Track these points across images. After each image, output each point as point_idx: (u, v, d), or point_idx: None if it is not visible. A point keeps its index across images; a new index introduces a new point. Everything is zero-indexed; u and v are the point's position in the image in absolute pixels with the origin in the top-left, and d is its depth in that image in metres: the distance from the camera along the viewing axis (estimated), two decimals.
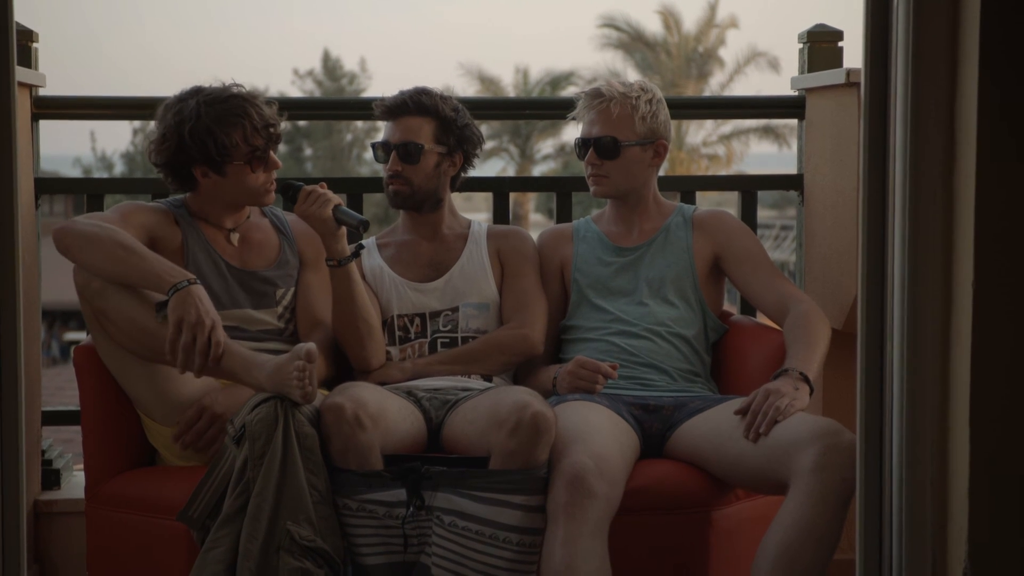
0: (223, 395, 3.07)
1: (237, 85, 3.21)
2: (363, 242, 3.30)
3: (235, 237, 3.27)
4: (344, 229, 3.19)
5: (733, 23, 27.47)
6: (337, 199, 3.20)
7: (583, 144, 3.43)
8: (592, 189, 3.45)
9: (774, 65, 26.58)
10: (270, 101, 3.25)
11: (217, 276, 3.22)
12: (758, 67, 26.66)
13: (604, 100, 3.41)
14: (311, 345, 2.87)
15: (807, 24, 3.89)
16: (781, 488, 2.88)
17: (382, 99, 3.43)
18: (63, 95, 3.84)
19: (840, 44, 3.83)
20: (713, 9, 27.20)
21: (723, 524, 3.08)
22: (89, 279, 2.98)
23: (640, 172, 3.43)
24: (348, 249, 3.21)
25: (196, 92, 3.17)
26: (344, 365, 3.35)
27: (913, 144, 2.10)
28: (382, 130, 3.44)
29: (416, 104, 3.39)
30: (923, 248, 2.11)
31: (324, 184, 3.25)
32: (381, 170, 3.45)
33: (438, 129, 3.39)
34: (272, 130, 3.18)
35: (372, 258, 3.44)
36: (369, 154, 3.60)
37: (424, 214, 3.43)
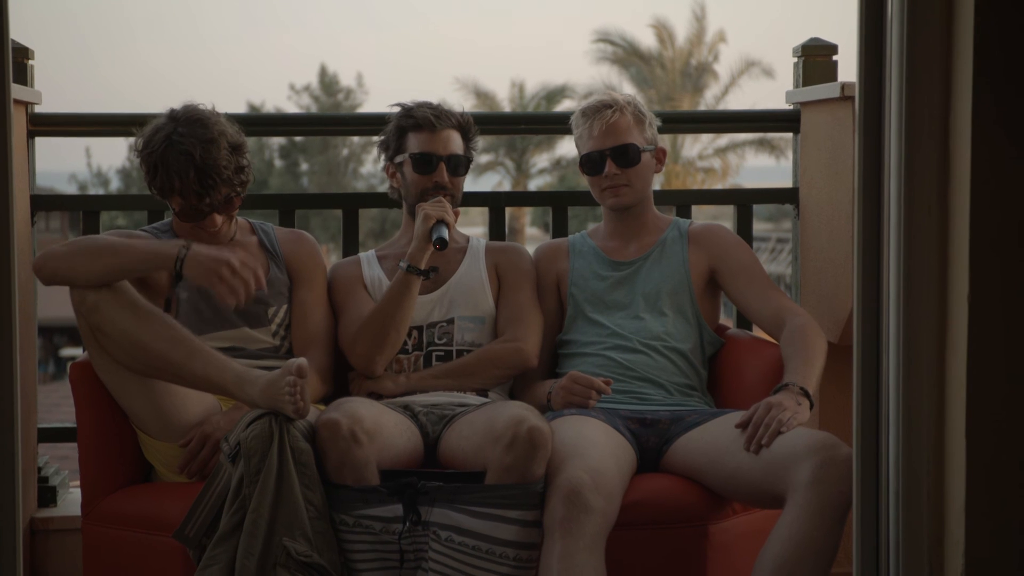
0: (225, 420, 3.07)
1: (234, 128, 3.22)
2: (429, 269, 3.30)
3: None
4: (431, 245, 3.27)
5: (721, 37, 27.49)
6: (449, 219, 3.28)
7: (597, 157, 3.41)
8: (611, 201, 3.42)
9: (768, 72, 26.60)
10: (240, 168, 3.22)
11: (207, 298, 3.23)
12: (751, 77, 26.69)
13: (616, 109, 3.40)
14: (302, 360, 2.87)
15: (800, 32, 3.91)
16: (778, 502, 2.88)
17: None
18: (59, 112, 3.84)
19: (835, 58, 3.84)
20: (701, 22, 27.23)
21: (720, 538, 3.08)
22: (84, 294, 2.98)
23: (650, 178, 3.45)
24: (424, 264, 3.27)
25: (179, 121, 3.18)
26: (340, 383, 3.35)
27: (908, 157, 2.11)
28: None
29: None
30: (918, 261, 2.11)
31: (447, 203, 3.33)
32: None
33: None
34: (207, 200, 3.17)
35: (372, 269, 3.45)
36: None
37: None
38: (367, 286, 3.42)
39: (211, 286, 2.97)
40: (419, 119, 3.42)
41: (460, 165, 3.45)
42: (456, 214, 3.36)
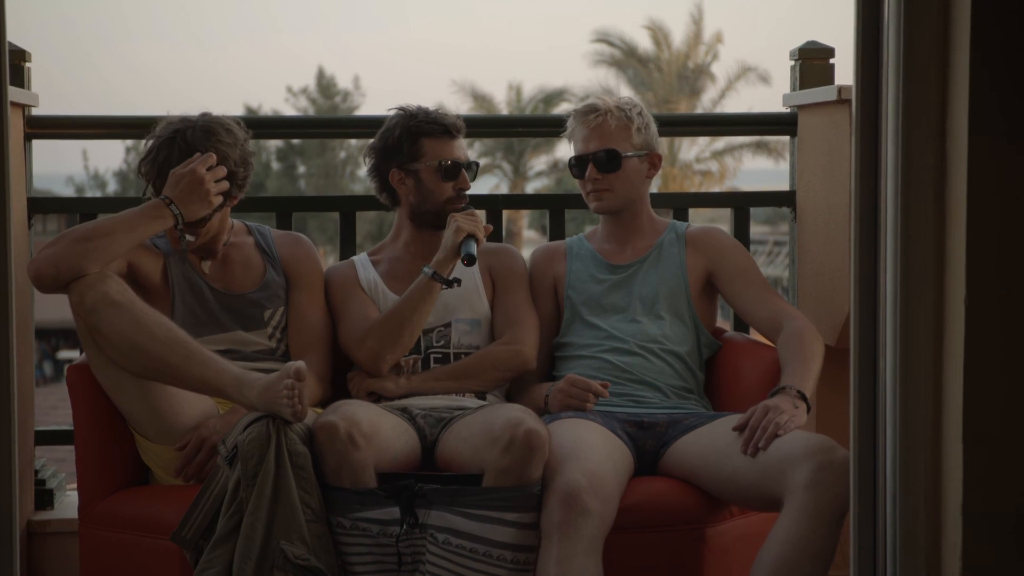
0: (222, 424, 3.07)
1: (232, 138, 3.21)
2: (452, 279, 3.29)
3: (207, 265, 3.28)
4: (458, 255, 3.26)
5: (719, 39, 27.50)
6: (480, 234, 3.26)
7: (580, 161, 3.42)
8: (593, 205, 3.43)
9: (765, 78, 26.63)
10: (234, 179, 3.22)
11: (200, 301, 3.23)
12: (748, 82, 26.70)
13: (600, 114, 3.41)
14: (300, 363, 2.87)
15: (796, 39, 3.91)
16: (775, 505, 2.88)
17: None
18: (56, 115, 3.84)
19: (831, 61, 3.84)
20: (698, 24, 27.23)
21: (717, 541, 3.08)
22: (83, 295, 2.98)
23: (639, 184, 3.44)
24: (449, 274, 3.26)
25: (188, 127, 3.18)
26: (339, 386, 3.35)
27: (904, 161, 2.11)
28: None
29: None
30: (915, 265, 2.11)
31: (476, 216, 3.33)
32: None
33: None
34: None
35: (368, 272, 3.45)
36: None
37: (437, 231, 3.43)
38: (364, 289, 3.41)
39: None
40: (443, 125, 3.41)
41: (474, 171, 3.46)
42: (488, 229, 3.33)
